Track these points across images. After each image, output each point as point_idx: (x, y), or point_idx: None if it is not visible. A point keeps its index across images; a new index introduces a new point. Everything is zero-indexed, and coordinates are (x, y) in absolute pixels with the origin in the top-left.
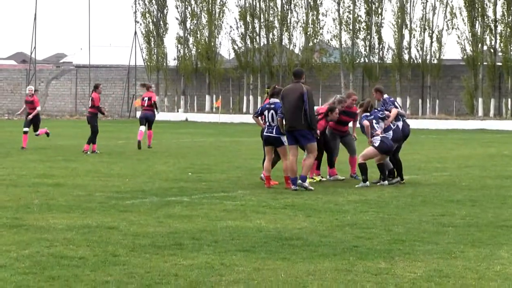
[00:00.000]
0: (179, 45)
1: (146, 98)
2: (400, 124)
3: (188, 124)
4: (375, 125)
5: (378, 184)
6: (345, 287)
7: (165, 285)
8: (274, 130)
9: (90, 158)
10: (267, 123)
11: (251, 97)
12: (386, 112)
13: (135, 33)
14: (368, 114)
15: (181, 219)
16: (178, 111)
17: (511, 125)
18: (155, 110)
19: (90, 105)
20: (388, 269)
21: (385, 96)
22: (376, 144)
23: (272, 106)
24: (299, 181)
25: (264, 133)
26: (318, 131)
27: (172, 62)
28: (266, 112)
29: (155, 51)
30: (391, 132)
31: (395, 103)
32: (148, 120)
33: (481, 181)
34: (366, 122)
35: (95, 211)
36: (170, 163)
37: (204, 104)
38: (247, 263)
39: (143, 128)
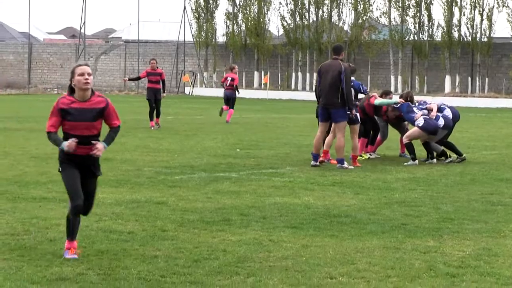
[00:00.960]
0: (228, 21)
1: (229, 78)
2: (447, 113)
3: (236, 100)
4: (415, 109)
5: (427, 162)
6: (393, 264)
7: (213, 260)
8: None
9: (139, 134)
10: None
11: (299, 74)
12: (428, 105)
13: (185, 8)
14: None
15: (229, 195)
16: None
17: None
18: (236, 90)
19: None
20: (437, 247)
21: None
22: (421, 125)
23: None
24: (339, 165)
25: None
26: (353, 111)
27: (221, 38)
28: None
29: (205, 27)
30: (442, 120)
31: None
32: (228, 99)
33: None
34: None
35: (143, 186)
36: (219, 139)
37: (253, 80)
38: (295, 239)
39: (225, 106)
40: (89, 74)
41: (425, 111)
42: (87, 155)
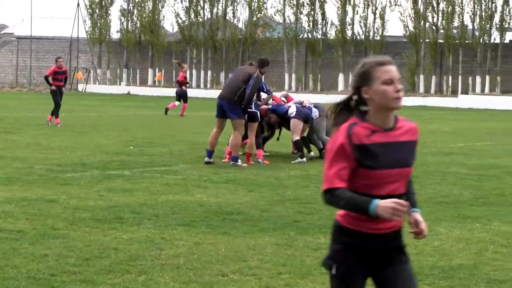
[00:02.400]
0: (122, 18)
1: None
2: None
3: (130, 97)
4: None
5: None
6: (285, 261)
7: (104, 258)
8: (253, 105)
9: (30, 131)
10: None
11: (194, 71)
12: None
13: (78, 4)
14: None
15: (122, 193)
16: (120, 84)
17: (451, 102)
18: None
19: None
20: (328, 244)
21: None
22: (294, 113)
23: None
24: (232, 162)
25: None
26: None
27: (115, 34)
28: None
29: (99, 23)
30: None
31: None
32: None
33: (421, 158)
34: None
35: (34, 184)
36: (112, 136)
37: (147, 78)
38: (187, 237)
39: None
40: (399, 81)
41: (298, 100)
42: (394, 233)
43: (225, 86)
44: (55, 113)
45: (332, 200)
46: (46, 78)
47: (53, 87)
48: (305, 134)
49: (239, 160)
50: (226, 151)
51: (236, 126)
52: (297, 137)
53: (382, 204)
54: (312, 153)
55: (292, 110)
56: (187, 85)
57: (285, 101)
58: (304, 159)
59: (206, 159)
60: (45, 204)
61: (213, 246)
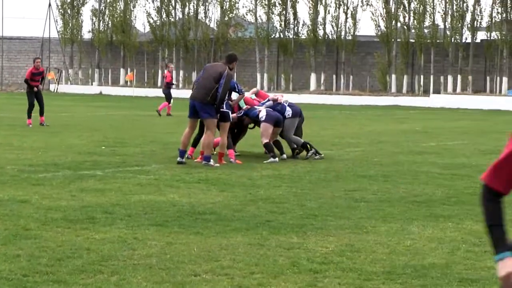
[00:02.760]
0: (94, 18)
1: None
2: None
3: (102, 97)
4: (258, 107)
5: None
6: (257, 261)
7: (77, 259)
8: (224, 105)
9: (2, 131)
10: None
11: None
12: (271, 97)
13: (50, 4)
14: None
15: (94, 193)
16: (92, 84)
17: (423, 102)
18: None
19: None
20: (300, 244)
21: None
22: (264, 118)
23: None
24: (204, 162)
25: None
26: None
27: (87, 34)
28: None
29: (70, 23)
30: (289, 109)
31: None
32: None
33: (394, 157)
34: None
35: (6, 185)
36: (84, 136)
37: (119, 78)
38: (160, 237)
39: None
40: None
41: (270, 103)
42: None
43: (197, 87)
44: (29, 112)
45: (481, 197)
46: (26, 81)
47: (35, 89)
48: (278, 137)
49: (211, 160)
50: (189, 151)
51: (208, 126)
52: (266, 140)
53: (505, 265)
54: (284, 155)
55: (262, 114)
56: (173, 85)
57: (255, 98)
58: (277, 159)
59: (179, 159)
60: (17, 205)
61: (185, 246)
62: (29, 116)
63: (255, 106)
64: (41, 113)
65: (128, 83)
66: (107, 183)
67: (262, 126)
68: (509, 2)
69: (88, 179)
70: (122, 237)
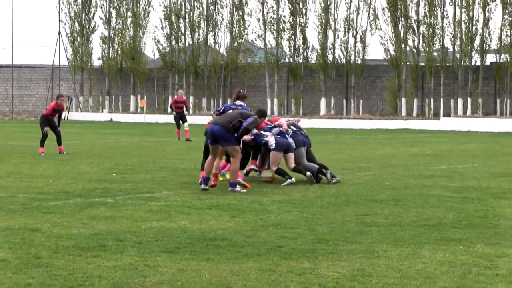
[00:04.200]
0: (103, 45)
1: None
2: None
3: (112, 124)
4: (265, 133)
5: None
6: (269, 287)
7: (88, 286)
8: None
9: (12, 159)
10: None
11: (176, 97)
12: (276, 123)
13: (59, 32)
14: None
15: (105, 221)
16: (102, 111)
17: (434, 125)
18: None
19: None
20: (312, 269)
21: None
22: (273, 146)
23: (239, 107)
24: (231, 188)
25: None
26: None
27: (96, 62)
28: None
29: (80, 51)
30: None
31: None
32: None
33: (404, 181)
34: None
35: (17, 213)
36: (94, 163)
37: (129, 104)
38: (171, 264)
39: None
40: None
41: (277, 129)
42: None
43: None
44: (41, 141)
45: None
46: (44, 116)
47: (46, 128)
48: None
49: (237, 186)
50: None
51: (232, 153)
52: (275, 168)
53: None
54: (293, 179)
55: (272, 143)
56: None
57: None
58: (293, 178)
59: (202, 186)
60: (28, 233)
61: (196, 272)
62: (42, 145)
63: (263, 133)
64: (59, 142)
65: (139, 109)
66: (118, 211)
67: (272, 154)
68: None
69: (99, 206)
70: (133, 264)
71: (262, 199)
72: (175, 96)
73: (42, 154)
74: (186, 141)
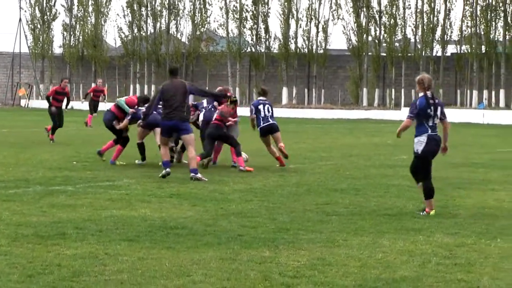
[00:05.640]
0: (65, 32)
1: None
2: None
3: (73, 112)
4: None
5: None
6: (229, 275)
7: (48, 275)
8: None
9: None
10: (263, 116)
11: (137, 85)
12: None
13: (20, 19)
14: None
15: (65, 209)
16: None
17: (395, 115)
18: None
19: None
20: (272, 258)
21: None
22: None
23: (267, 102)
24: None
25: (264, 125)
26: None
27: (57, 49)
28: (261, 107)
29: (41, 38)
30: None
31: None
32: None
33: (365, 170)
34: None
35: None
36: (55, 151)
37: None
38: (131, 252)
39: None
40: None
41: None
42: None
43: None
44: (52, 130)
45: None
46: (47, 98)
47: (53, 108)
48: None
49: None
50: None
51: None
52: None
53: None
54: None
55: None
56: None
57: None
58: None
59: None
60: None
61: (157, 261)
62: (53, 132)
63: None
64: (53, 131)
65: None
66: (78, 199)
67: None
68: (478, 15)
69: (59, 194)
70: (93, 253)
71: (223, 188)
72: (94, 85)
73: (52, 142)
74: (86, 126)
